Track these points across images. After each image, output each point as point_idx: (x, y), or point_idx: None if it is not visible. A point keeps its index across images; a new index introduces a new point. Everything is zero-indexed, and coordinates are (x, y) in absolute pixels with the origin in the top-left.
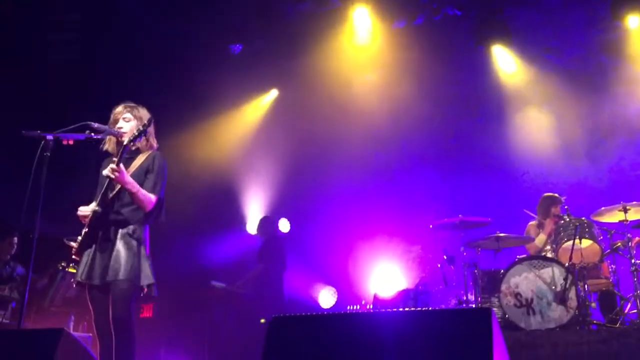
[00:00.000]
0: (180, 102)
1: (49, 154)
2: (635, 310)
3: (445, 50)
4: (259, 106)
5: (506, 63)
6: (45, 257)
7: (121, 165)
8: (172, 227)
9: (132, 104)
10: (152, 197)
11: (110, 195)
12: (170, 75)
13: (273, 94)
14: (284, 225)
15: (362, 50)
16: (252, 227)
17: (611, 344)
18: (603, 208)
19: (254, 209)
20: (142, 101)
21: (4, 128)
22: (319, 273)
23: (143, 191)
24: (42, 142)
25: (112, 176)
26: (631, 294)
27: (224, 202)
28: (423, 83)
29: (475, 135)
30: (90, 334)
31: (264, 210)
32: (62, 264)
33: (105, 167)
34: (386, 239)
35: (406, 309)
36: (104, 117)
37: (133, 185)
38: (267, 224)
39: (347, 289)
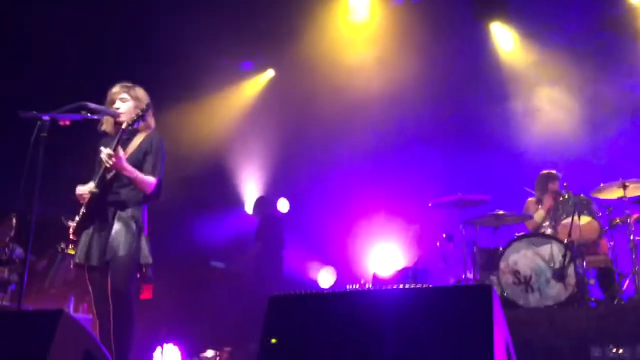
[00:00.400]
0: (172, 79)
1: (45, 135)
2: (633, 287)
3: (444, 27)
4: (255, 85)
5: (505, 40)
6: (44, 238)
7: (119, 149)
8: (170, 207)
9: (129, 84)
10: (152, 180)
11: (109, 176)
12: (165, 53)
13: (269, 73)
14: (283, 205)
15: (360, 28)
16: (249, 207)
17: (609, 321)
18: (602, 184)
19: (252, 189)
20: (136, 79)
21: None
22: (317, 252)
23: (141, 175)
24: (38, 123)
25: (110, 163)
26: (629, 271)
27: (221, 182)
28: (422, 61)
29: (475, 113)
30: (91, 315)
31: (262, 190)
32: (61, 246)
33: (103, 148)
34: (385, 218)
35: (408, 286)
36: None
37: (131, 171)
38: (263, 203)
39: (346, 269)
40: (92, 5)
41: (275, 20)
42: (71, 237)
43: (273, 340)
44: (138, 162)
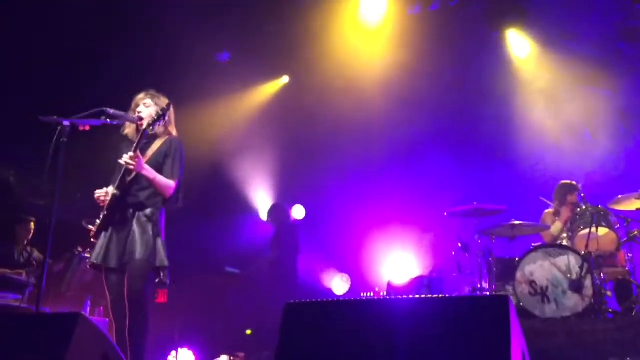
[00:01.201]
0: (184, 84)
1: (65, 140)
2: None
3: (460, 35)
4: (270, 91)
5: (521, 48)
6: (61, 242)
7: (138, 152)
8: (186, 213)
9: (154, 92)
10: (172, 183)
11: (129, 178)
12: (178, 58)
13: (284, 80)
14: (298, 212)
15: (375, 35)
16: (264, 214)
17: (627, 332)
18: (620, 196)
19: (267, 196)
20: (148, 82)
21: (22, 114)
22: (332, 260)
23: (160, 177)
24: (59, 128)
25: (132, 164)
26: None
27: (237, 189)
28: (437, 69)
29: (491, 123)
30: (108, 319)
31: (277, 197)
32: (79, 249)
33: (123, 152)
34: (400, 226)
35: (422, 295)
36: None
37: (150, 172)
38: (278, 211)
39: (360, 276)
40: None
41: (288, 26)
42: (92, 240)
43: None
44: (158, 165)
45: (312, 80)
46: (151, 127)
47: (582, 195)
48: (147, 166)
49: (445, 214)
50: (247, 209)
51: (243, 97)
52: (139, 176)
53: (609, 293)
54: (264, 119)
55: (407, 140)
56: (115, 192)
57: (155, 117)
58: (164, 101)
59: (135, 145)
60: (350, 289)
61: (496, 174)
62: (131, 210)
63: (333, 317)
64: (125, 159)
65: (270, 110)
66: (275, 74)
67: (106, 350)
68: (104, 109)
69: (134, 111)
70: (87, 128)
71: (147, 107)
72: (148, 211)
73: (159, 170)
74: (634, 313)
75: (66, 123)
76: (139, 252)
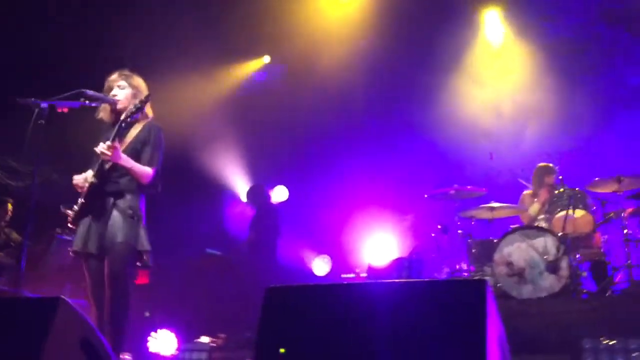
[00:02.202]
0: (163, 61)
1: (43, 122)
2: (626, 280)
3: (441, 14)
4: (250, 72)
5: (500, 30)
6: (40, 223)
7: (116, 141)
8: (165, 194)
9: (128, 72)
10: (149, 170)
11: (107, 166)
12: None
13: (265, 60)
14: (281, 193)
15: (355, 15)
16: (244, 195)
17: (602, 313)
18: (597, 179)
19: (247, 177)
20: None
21: None
22: (313, 241)
23: (138, 166)
24: (37, 110)
25: (108, 154)
26: (622, 264)
27: (217, 170)
28: (417, 49)
29: (471, 105)
30: (86, 301)
31: (257, 179)
32: (58, 230)
33: (101, 136)
34: (380, 208)
35: (400, 277)
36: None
37: (126, 161)
38: (257, 192)
39: (341, 258)
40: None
41: (268, 6)
42: (70, 225)
43: (282, 350)
44: (136, 152)
45: (293, 63)
46: (129, 119)
47: (560, 177)
48: (123, 156)
49: (426, 196)
50: (226, 190)
51: (222, 76)
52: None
53: (584, 274)
54: (244, 100)
55: (387, 122)
56: (93, 180)
57: (134, 110)
58: (138, 82)
59: (113, 135)
60: (330, 271)
61: (477, 156)
62: (111, 198)
63: (313, 301)
64: (101, 148)
65: (250, 91)
66: (252, 53)
67: (86, 333)
68: (83, 90)
69: (108, 94)
70: (66, 110)
71: (121, 89)
72: (128, 197)
73: (137, 157)
74: (609, 294)
75: (44, 105)
76: (120, 236)
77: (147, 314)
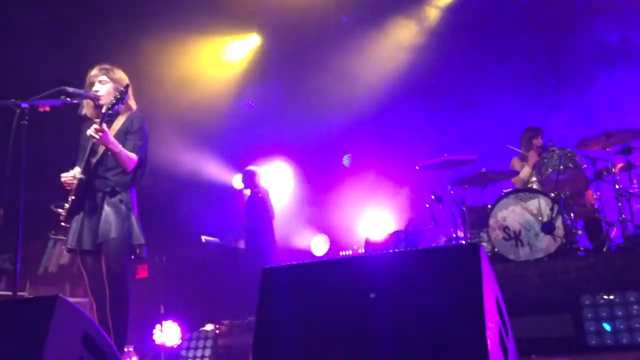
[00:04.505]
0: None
1: (26, 122)
2: (621, 235)
3: None
4: (239, 50)
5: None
6: (33, 226)
7: (104, 125)
8: (159, 186)
9: (108, 66)
10: (134, 157)
11: (94, 161)
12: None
13: (254, 39)
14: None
15: None
16: (237, 181)
17: (598, 269)
18: (585, 137)
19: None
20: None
21: None
22: (310, 221)
23: (125, 151)
24: (18, 111)
25: (96, 137)
26: (616, 219)
27: (208, 156)
28: (405, 23)
29: (457, 74)
30: (87, 299)
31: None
32: (52, 232)
33: (85, 132)
34: (375, 183)
35: (397, 250)
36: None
37: (115, 145)
38: (249, 176)
39: (338, 236)
40: None
41: None
42: (62, 224)
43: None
44: (121, 142)
45: (283, 40)
46: (110, 111)
47: (550, 139)
48: (112, 139)
49: (417, 167)
50: (220, 177)
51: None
52: (105, 157)
53: (579, 232)
54: (236, 79)
55: (376, 95)
56: (81, 176)
57: (114, 101)
58: (119, 75)
59: (100, 120)
60: (329, 249)
61: (465, 125)
62: (100, 192)
63: (308, 278)
64: (90, 131)
65: (241, 71)
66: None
67: (87, 330)
68: (63, 87)
69: (89, 90)
70: (47, 109)
71: (103, 84)
72: (118, 191)
73: (122, 146)
74: (605, 249)
75: (25, 105)
76: (113, 231)
77: (162, 311)
